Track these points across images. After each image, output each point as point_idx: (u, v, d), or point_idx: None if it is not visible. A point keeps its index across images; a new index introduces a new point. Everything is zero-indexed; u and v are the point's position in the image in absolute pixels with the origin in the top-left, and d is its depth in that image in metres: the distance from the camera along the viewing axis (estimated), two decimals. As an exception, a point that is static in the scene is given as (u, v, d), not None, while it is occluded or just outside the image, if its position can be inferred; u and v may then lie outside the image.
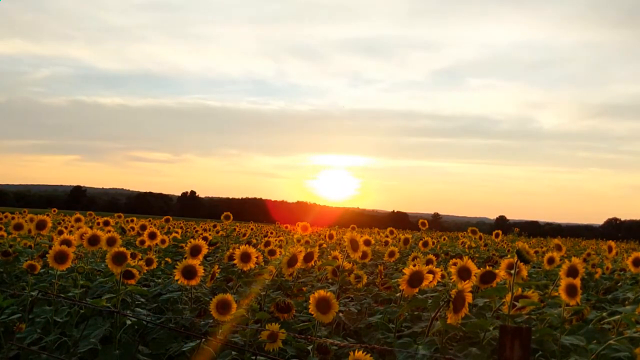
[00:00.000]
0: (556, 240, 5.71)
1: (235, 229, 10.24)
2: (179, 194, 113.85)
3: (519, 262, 2.38)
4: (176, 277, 3.04)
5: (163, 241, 4.96)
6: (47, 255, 3.25)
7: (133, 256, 3.92)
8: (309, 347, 2.58)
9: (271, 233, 10.90)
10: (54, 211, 13.66)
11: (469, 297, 2.19)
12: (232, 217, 6.68)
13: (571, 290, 2.37)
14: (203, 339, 2.51)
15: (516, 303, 2.42)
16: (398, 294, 3.11)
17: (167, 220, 8.93)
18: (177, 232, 7.53)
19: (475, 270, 2.53)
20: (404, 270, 2.53)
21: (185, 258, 3.25)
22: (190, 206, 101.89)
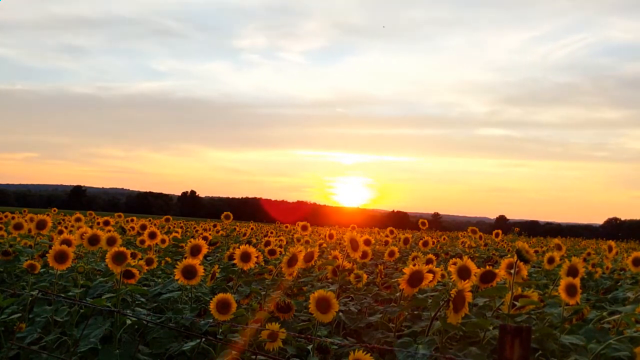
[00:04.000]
0: (556, 240, 5.71)
1: (235, 229, 10.25)
2: (179, 194, 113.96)
3: (518, 261, 2.39)
4: (176, 277, 3.03)
5: (163, 241, 4.97)
6: (47, 254, 3.25)
7: (133, 256, 3.92)
8: (309, 347, 2.58)
9: (271, 233, 10.90)
10: (54, 211, 13.67)
11: (468, 297, 2.19)
12: (232, 217, 6.69)
13: (571, 290, 2.38)
14: (203, 339, 2.51)
15: (516, 302, 2.43)
16: (398, 294, 3.11)
17: (167, 220, 8.95)
18: (177, 232, 7.52)
19: (475, 269, 2.53)
20: (404, 270, 2.53)
21: (185, 258, 3.25)
22: (190, 206, 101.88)
